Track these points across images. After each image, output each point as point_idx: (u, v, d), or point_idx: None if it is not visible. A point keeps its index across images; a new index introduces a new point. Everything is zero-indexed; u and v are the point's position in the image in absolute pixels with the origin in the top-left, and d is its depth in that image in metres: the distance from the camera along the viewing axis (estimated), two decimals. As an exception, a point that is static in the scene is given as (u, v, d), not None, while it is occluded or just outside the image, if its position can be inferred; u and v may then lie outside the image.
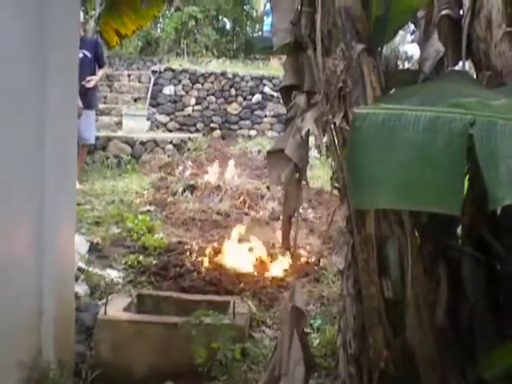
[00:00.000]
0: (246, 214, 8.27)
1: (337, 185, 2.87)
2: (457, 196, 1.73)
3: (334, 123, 2.67)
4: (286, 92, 3.11)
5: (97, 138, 11.01)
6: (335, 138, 2.74)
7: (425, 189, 1.83)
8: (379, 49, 2.83)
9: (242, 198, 8.70)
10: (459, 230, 2.78)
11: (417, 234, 2.66)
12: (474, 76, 2.78)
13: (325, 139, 2.85)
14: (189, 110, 14.36)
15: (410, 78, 2.82)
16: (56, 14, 3.24)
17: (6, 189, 2.94)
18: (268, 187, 8.73)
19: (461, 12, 2.81)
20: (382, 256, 2.66)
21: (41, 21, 3.15)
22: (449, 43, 2.80)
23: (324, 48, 2.73)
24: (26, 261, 3.22)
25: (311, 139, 2.92)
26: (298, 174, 3.00)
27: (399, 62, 2.99)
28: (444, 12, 2.82)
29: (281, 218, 7.64)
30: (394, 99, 2.40)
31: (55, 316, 3.39)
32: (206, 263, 5.86)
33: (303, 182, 3.06)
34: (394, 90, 2.76)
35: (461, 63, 2.81)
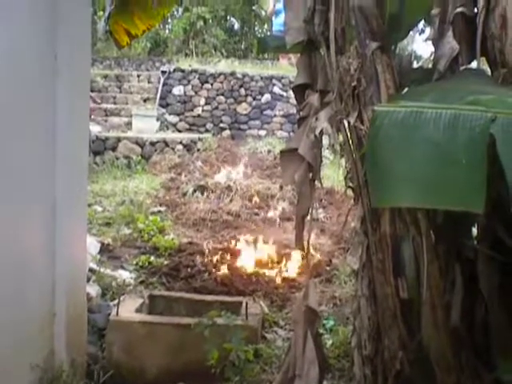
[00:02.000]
0: (257, 214, 8.25)
1: (351, 184, 2.85)
2: (479, 194, 1.70)
3: (349, 122, 2.65)
4: (299, 91, 3.09)
5: (106, 139, 11.02)
6: (349, 137, 2.72)
7: (447, 187, 1.80)
8: (393, 47, 2.81)
9: (252, 199, 8.69)
10: (474, 230, 2.76)
11: (432, 233, 2.64)
12: (489, 74, 2.75)
13: (338, 139, 2.83)
14: (198, 110, 14.34)
15: (424, 76, 2.79)
16: (67, 12, 3.24)
17: (18, 191, 2.94)
18: (281, 187, 8.71)
19: (475, 10, 2.78)
20: (397, 256, 2.64)
21: (52, 19, 3.14)
22: (463, 41, 2.77)
23: (337, 46, 2.72)
24: (39, 262, 3.22)
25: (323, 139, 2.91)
26: (311, 174, 2.98)
27: (412, 62, 2.97)
28: (458, 10, 2.78)
29: (291, 218, 7.66)
30: (409, 98, 2.37)
31: (67, 317, 3.39)
32: (216, 264, 5.84)
33: (316, 182, 3.04)
34: (407, 88, 2.74)
35: (475, 61, 2.79)
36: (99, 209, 7.75)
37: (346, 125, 2.71)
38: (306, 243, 3.17)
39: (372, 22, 2.57)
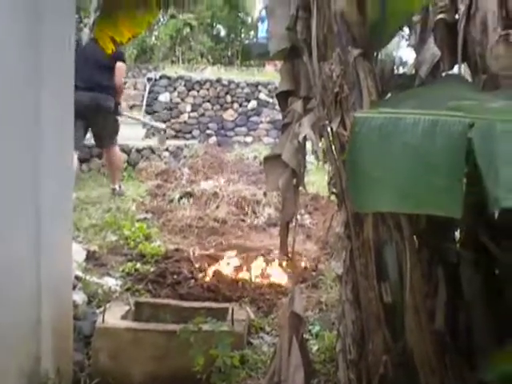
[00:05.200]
0: (243, 220, 8.26)
1: (334, 190, 2.87)
2: (456, 199, 1.72)
3: (331, 128, 2.67)
4: (283, 98, 3.11)
5: (93, 146, 10.99)
6: (332, 143, 2.74)
7: (425, 192, 1.82)
8: (375, 53, 2.84)
9: (238, 205, 8.69)
10: (457, 234, 2.78)
11: (415, 238, 2.66)
12: (470, 79, 2.78)
13: (322, 144, 2.85)
14: (184, 116, 14.39)
15: (406, 82, 2.83)
16: (50, 17, 3.21)
17: (1, 199, 2.92)
18: (265, 193, 8.72)
19: (456, 16, 2.82)
20: (380, 261, 2.66)
21: (35, 23, 3.11)
22: (445, 47, 2.81)
23: (320, 53, 2.74)
24: (24, 269, 3.20)
25: (308, 144, 2.93)
26: (295, 180, 3.00)
27: (394, 68, 2.99)
28: (440, 16, 2.82)
29: (277, 224, 7.66)
30: (391, 103, 2.40)
31: (53, 324, 3.37)
32: (203, 270, 5.83)
33: (300, 188, 3.06)
34: (389, 94, 2.77)
35: (457, 67, 2.82)
36: (85, 216, 7.70)
37: (329, 131, 2.74)
38: (290, 249, 3.19)
39: (353, 29, 2.60)
